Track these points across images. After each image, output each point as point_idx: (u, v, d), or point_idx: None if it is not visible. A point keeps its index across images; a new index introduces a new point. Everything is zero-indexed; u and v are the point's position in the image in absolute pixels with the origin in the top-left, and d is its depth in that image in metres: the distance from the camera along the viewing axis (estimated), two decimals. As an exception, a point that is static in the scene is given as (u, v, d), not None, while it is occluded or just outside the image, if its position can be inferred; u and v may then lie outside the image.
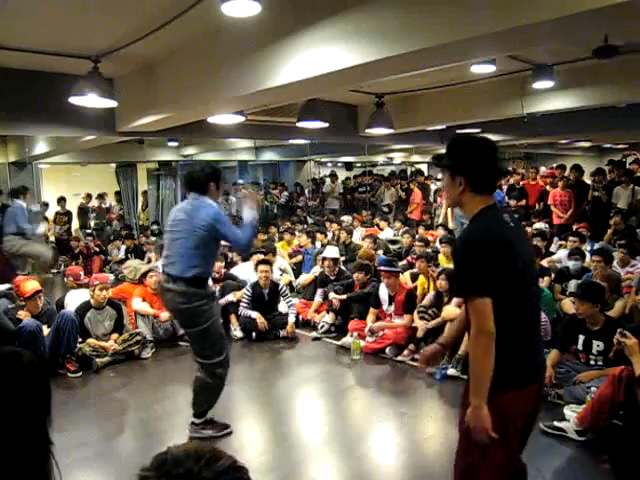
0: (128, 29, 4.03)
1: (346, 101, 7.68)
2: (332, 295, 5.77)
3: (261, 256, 6.33)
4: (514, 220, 2.02)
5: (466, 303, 1.95)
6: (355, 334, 5.12)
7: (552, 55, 5.16)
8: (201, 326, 3.26)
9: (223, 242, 3.49)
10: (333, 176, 13.40)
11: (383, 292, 5.30)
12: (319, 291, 6.16)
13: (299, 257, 8.21)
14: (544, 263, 5.86)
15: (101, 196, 12.47)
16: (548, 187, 9.03)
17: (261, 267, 5.80)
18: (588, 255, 6.08)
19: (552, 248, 7.24)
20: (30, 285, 4.90)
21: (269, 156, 13.85)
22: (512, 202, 9.32)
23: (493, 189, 2.04)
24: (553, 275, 5.53)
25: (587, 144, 13.50)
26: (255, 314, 5.62)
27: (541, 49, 4.85)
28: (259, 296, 5.76)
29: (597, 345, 3.74)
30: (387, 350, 4.98)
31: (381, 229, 9.58)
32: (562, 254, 6.32)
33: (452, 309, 4.61)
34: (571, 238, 6.40)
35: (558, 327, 4.34)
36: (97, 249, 10.10)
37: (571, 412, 3.37)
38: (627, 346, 3.17)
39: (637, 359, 3.10)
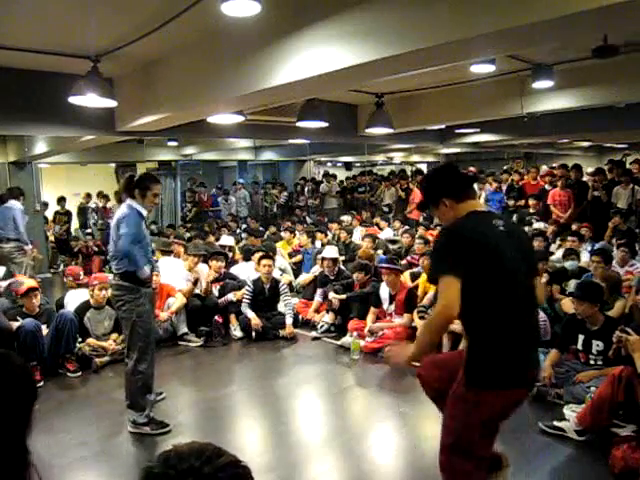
0: (128, 29, 4.02)
1: (346, 101, 7.67)
2: (332, 295, 5.78)
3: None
4: (508, 225, 2.15)
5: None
6: (355, 334, 5.12)
7: (552, 55, 5.15)
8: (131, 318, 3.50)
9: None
10: (329, 176, 13.39)
11: (384, 291, 5.30)
12: (319, 291, 6.16)
13: (299, 257, 8.22)
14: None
15: (105, 196, 12.41)
16: (547, 187, 9.03)
17: (264, 261, 5.84)
18: (586, 255, 6.09)
19: (552, 248, 7.24)
20: (25, 283, 4.90)
21: (269, 156, 13.84)
22: (511, 202, 9.32)
23: (473, 193, 2.27)
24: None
25: (587, 144, 13.49)
26: (251, 314, 5.64)
27: (541, 49, 4.84)
28: (260, 291, 5.78)
29: (597, 345, 3.74)
30: (387, 350, 4.97)
31: (381, 229, 9.58)
32: (561, 254, 6.33)
33: None
34: (569, 238, 6.40)
35: (557, 327, 4.34)
36: (96, 249, 10.09)
37: (571, 412, 3.37)
38: (630, 343, 3.18)
39: (639, 356, 3.10)
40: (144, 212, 3.56)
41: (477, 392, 2.00)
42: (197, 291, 5.91)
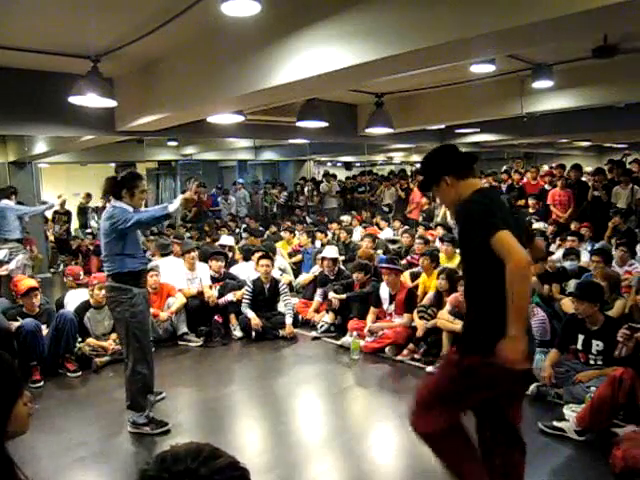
0: (128, 29, 4.02)
1: (346, 101, 7.67)
2: (331, 295, 5.78)
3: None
4: (511, 207, 2.18)
5: (478, 262, 2.06)
6: (355, 334, 5.12)
7: (552, 55, 5.16)
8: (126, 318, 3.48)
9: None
10: (329, 176, 13.39)
11: (384, 291, 5.30)
12: (319, 291, 6.16)
13: (299, 257, 8.21)
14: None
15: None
16: (547, 186, 9.03)
17: (262, 261, 5.85)
18: (586, 255, 6.08)
19: (552, 248, 7.24)
20: (25, 283, 4.90)
21: (269, 155, 13.83)
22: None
23: (474, 172, 2.25)
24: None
25: (587, 144, 13.49)
26: (251, 314, 5.64)
27: (541, 49, 4.84)
28: (260, 291, 5.79)
29: (597, 345, 3.74)
30: (386, 350, 4.98)
31: (381, 229, 9.58)
32: (561, 254, 6.32)
33: (446, 316, 4.62)
34: (569, 238, 6.40)
35: (557, 324, 4.34)
36: (92, 248, 10.06)
37: (571, 412, 3.37)
38: None
39: None
40: (130, 210, 3.56)
41: (473, 358, 2.04)
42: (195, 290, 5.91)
